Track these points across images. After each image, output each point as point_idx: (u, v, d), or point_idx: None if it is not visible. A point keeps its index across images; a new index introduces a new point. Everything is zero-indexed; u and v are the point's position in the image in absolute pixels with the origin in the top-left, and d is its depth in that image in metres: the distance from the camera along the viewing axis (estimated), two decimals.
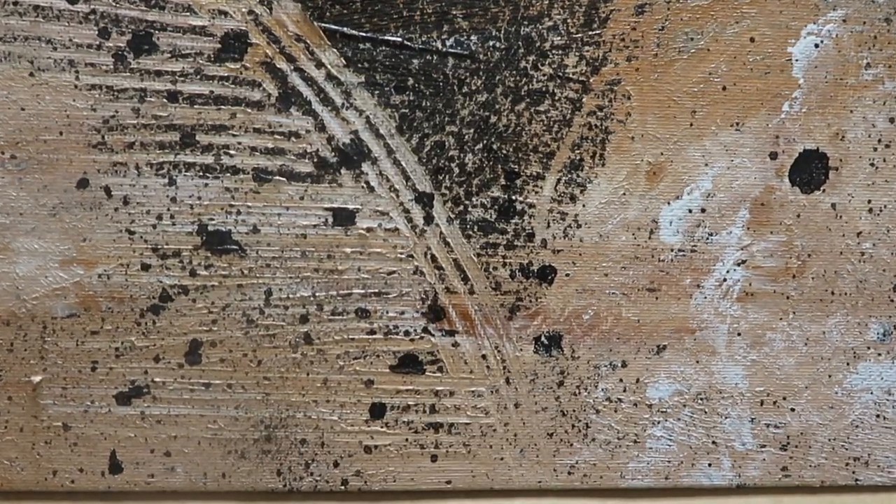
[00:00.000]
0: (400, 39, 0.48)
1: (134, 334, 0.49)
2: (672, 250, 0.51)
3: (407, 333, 0.51)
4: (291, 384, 0.50)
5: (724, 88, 0.50)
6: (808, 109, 0.51)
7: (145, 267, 0.49)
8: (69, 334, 0.49)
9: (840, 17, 0.50)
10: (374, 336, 0.50)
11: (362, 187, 0.49)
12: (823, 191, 0.51)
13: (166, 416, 0.50)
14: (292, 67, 0.48)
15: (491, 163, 0.50)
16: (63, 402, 0.50)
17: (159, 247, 0.49)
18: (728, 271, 0.52)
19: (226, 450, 0.51)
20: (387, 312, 0.50)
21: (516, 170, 0.50)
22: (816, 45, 0.50)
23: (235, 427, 0.51)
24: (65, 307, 0.49)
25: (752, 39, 0.50)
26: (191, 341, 0.50)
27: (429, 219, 0.50)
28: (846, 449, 0.54)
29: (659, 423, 0.52)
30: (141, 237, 0.49)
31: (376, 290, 0.50)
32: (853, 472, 0.54)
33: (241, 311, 0.50)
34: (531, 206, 0.50)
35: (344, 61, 0.48)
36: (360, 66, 0.48)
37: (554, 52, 0.49)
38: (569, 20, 0.49)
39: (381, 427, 0.51)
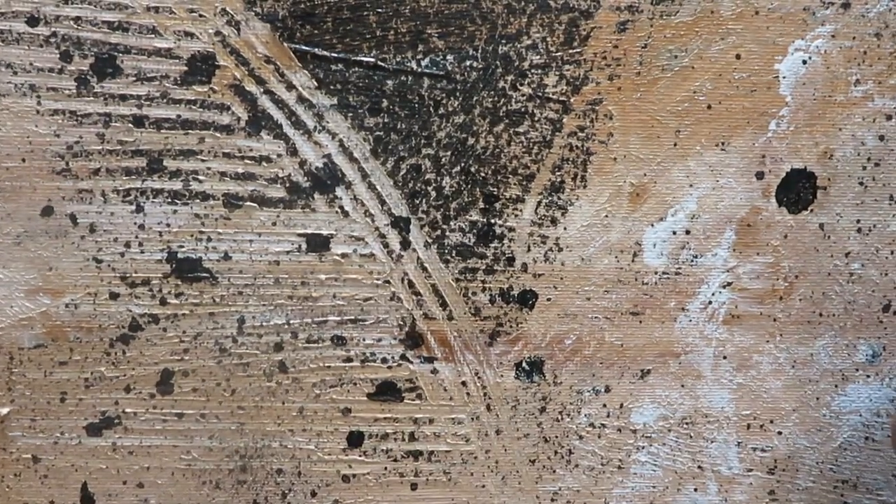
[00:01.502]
0: (373, 60, 0.47)
1: (103, 364, 0.48)
2: (656, 273, 0.50)
3: (384, 360, 0.49)
4: (267, 413, 0.49)
5: (709, 107, 0.49)
6: (795, 128, 0.49)
7: (114, 296, 0.48)
8: (37, 365, 0.48)
9: (829, 32, 0.48)
10: (350, 364, 0.49)
11: (336, 212, 0.48)
12: (811, 211, 0.50)
13: (138, 447, 0.49)
14: (262, 90, 0.47)
15: (469, 186, 0.48)
16: (32, 434, 0.48)
17: (128, 275, 0.47)
18: (714, 294, 0.50)
19: (200, 480, 0.50)
20: (363, 339, 0.49)
21: (495, 193, 0.48)
22: (804, 62, 0.48)
23: (210, 457, 0.49)
24: (32, 337, 0.48)
25: (737, 56, 0.48)
26: (162, 371, 0.48)
27: (405, 244, 0.48)
28: (834, 472, 0.52)
29: (644, 448, 0.51)
30: (109, 265, 0.47)
31: (352, 317, 0.49)
32: (841, 496, 0.53)
33: (214, 339, 0.48)
34: (511, 229, 0.49)
35: (315, 83, 0.47)
36: (332, 87, 0.47)
37: (533, 71, 0.47)
38: (548, 38, 0.47)
39: (360, 456, 0.50)
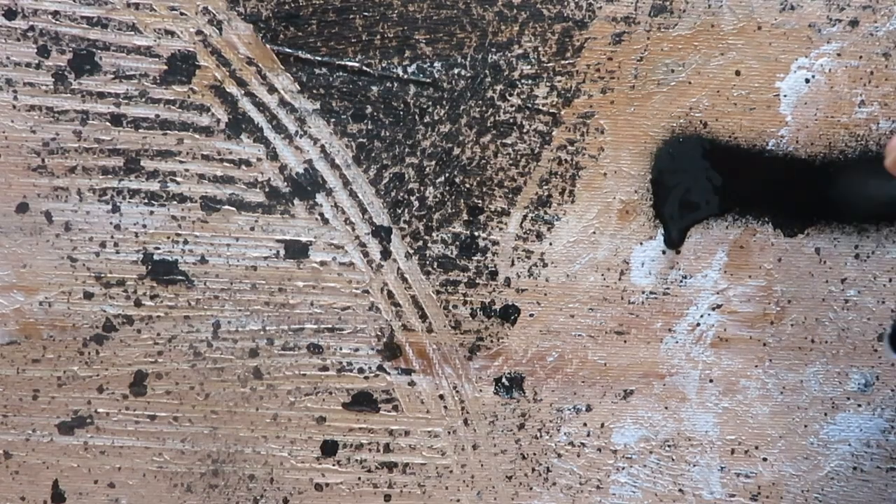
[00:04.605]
0: (358, 65, 0.45)
1: (77, 364, 0.48)
2: (643, 292, 0.48)
3: (361, 371, 0.48)
4: (240, 419, 0.49)
5: (705, 125, 0.47)
6: (794, 148, 0.47)
7: (88, 295, 0.47)
8: (10, 362, 0.47)
9: (834, 50, 0.46)
10: (326, 372, 0.48)
11: (316, 219, 0.47)
12: (807, 234, 0.48)
13: (110, 447, 0.48)
14: (243, 92, 0.45)
15: (453, 197, 0.47)
16: (4, 430, 0.48)
17: (103, 275, 0.47)
18: (702, 316, 0.49)
19: (171, 483, 0.49)
20: (340, 349, 0.48)
21: (480, 205, 0.47)
22: (807, 80, 0.47)
23: (182, 460, 0.49)
24: (5, 334, 0.47)
25: (737, 73, 0.46)
26: (135, 372, 0.48)
27: (386, 253, 0.47)
28: (819, 501, 0.51)
29: (624, 469, 0.50)
30: (83, 265, 0.47)
31: (330, 326, 0.48)
32: None
33: (188, 343, 0.48)
34: (495, 243, 0.48)
35: (298, 87, 0.45)
36: (315, 92, 0.46)
37: (523, 81, 0.46)
38: (540, 48, 0.46)
39: (333, 465, 0.49)
